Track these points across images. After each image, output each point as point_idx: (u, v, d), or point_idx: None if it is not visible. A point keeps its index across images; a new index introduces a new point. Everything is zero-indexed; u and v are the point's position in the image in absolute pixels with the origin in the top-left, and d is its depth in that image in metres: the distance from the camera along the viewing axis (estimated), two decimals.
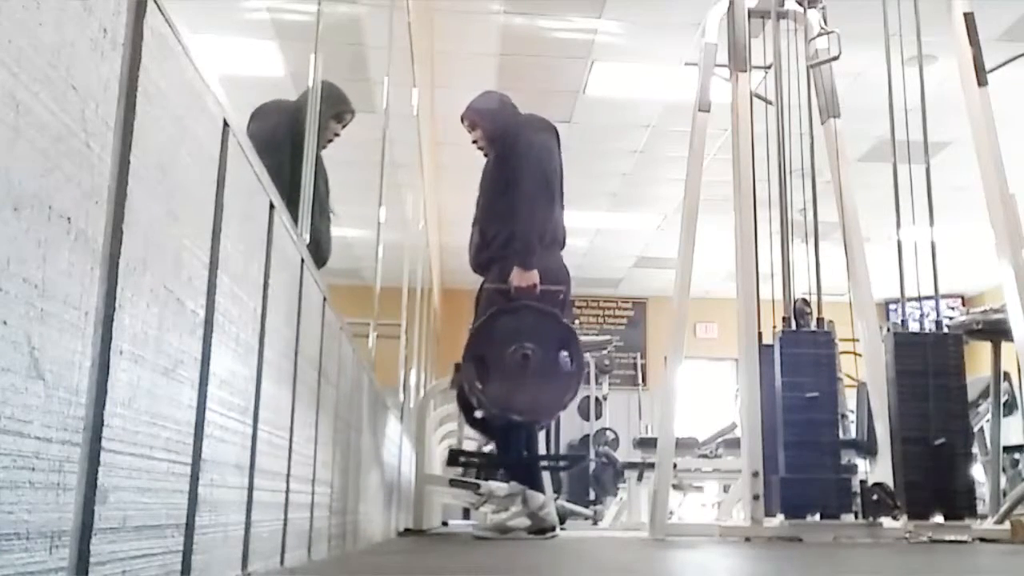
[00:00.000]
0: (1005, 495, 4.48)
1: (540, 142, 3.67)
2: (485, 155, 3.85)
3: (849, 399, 6.14)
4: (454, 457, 4.23)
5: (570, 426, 10.52)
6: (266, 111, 2.55)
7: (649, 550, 2.97)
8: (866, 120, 5.15)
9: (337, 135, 2.87)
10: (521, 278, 3.46)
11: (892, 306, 9.66)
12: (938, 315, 4.10)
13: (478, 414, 3.60)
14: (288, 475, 1.61)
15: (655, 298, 12.18)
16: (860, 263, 3.99)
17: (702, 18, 4.29)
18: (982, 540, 3.63)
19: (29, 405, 0.65)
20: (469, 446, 5.67)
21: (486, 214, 3.73)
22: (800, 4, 4.20)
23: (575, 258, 9.99)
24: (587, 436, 10.32)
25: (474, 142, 3.85)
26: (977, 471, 4.72)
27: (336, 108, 2.83)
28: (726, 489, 6.76)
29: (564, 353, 3.43)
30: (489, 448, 5.45)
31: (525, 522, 3.60)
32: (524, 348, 3.36)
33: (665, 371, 4.08)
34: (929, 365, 3.87)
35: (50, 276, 0.68)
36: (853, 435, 5.70)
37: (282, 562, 1.58)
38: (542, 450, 4.13)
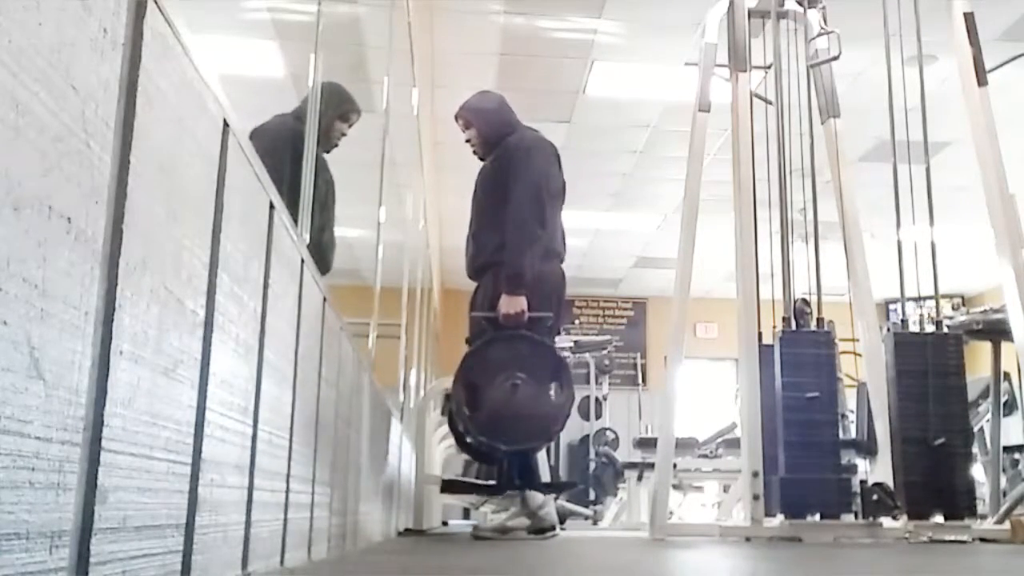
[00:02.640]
0: (1005, 495, 4.48)
1: (538, 168, 3.61)
2: (477, 155, 3.81)
3: (849, 399, 6.15)
4: (449, 487, 4.21)
5: (570, 426, 10.50)
6: (265, 132, 2.53)
7: (649, 550, 2.97)
8: (866, 120, 5.15)
9: (344, 135, 2.85)
10: (508, 304, 3.43)
11: (892, 306, 9.67)
12: (938, 315, 4.11)
13: (470, 439, 3.60)
14: (288, 475, 1.61)
15: (655, 298, 12.18)
16: (860, 263, 3.99)
17: (702, 18, 4.29)
18: (982, 540, 3.63)
19: (29, 405, 0.65)
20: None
21: (480, 222, 3.71)
22: (800, 4, 4.20)
23: (575, 258, 9.99)
24: (587, 436, 10.32)
25: (467, 141, 3.81)
26: (977, 471, 4.72)
27: (341, 108, 2.81)
28: (726, 489, 6.77)
29: (555, 384, 3.43)
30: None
31: (525, 522, 3.60)
32: (515, 378, 3.36)
33: (665, 371, 4.08)
34: (929, 365, 3.86)
35: (50, 276, 0.68)
36: (853, 435, 5.70)
37: (282, 562, 1.58)
38: (542, 454, 4.12)
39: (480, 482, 4.38)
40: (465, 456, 5.85)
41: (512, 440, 3.42)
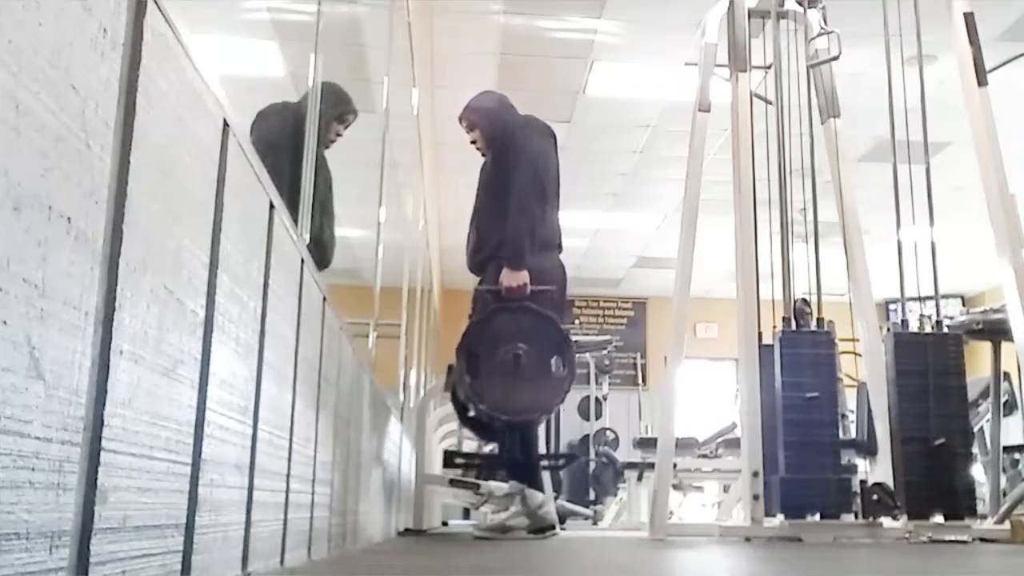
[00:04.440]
0: (1005, 495, 4.48)
1: (536, 145, 3.66)
2: (483, 155, 3.85)
3: (849, 399, 6.14)
4: (450, 459, 4.23)
5: (570, 426, 10.52)
6: (270, 113, 2.54)
7: (649, 550, 2.97)
8: (866, 120, 5.15)
9: (340, 135, 2.86)
10: (511, 278, 3.45)
11: (892, 306, 9.66)
12: (938, 315, 4.10)
13: (472, 413, 3.61)
14: (288, 475, 1.61)
15: (655, 298, 12.17)
16: (860, 263, 3.99)
17: (702, 18, 4.29)
18: (982, 540, 3.63)
19: (29, 405, 0.65)
20: (469, 446, 5.68)
21: (482, 216, 3.74)
22: (800, 4, 4.20)
23: (575, 258, 10.00)
24: (587, 436, 10.32)
25: (472, 142, 3.85)
26: (977, 471, 4.72)
27: (339, 109, 2.82)
28: (726, 489, 6.77)
29: (556, 358, 3.44)
30: (488, 448, 5.45)
31: (525, 521, 3.60)
32: (517, 348, 3.37)
33: (665, 371, 4.08)
34: (929, 365, 3.86)
35: (50, 276, 0.68)
36: (853, 435, 5.70)
37: (282, 562, 1.58)
38: (542, 449, 4.13)
39: (483, 455, 4.38)
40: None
41: (511, 410, 3.43)
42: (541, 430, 4.34)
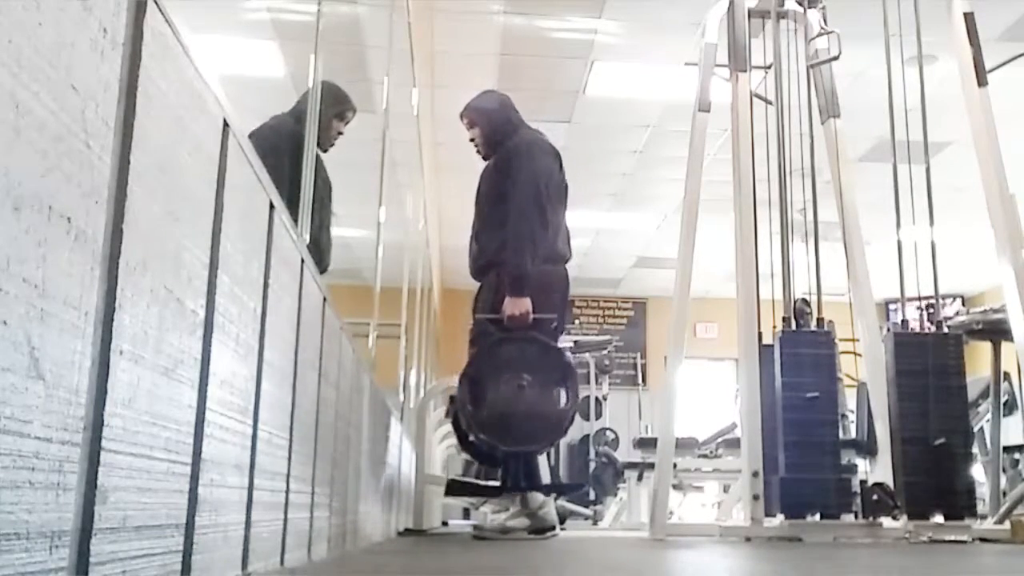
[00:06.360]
0: (1005, 495, 4.48)
1: (537, 167, 3.61)
2: (480, 154, 3.83)
3: (849, 399, 6.14)
4: (452, 488, 4.22)
5: (570, 427, 10.51)
6: (270, 123, 2.54)
7: (649, 550, 2.97)
8: (866, 120, 5.15)
9: (341, 133, 2.87)
10: (514, 306, 3.44)
11: (892, 306, 9.66)
12: (938, 315, 4.10)
13: (472, 439, 3.60)
14: (288, 475, 1.61)
15: (655, 298, 12.18)
16: (860, 263, 3.99)
17: (702, 18, 4.29)
18: (982, 540, 3.63)
19: (29, 405, 0.65)
20: None
21: (482, 222, 3.73)
22: (800, 4, 4.20)
23: (575, 258, 9.96)
24: (587, 436, 10.32)
25: (471, 140, 3.83)
26: (977, 471, 4.72)
27: (338, 107, 2.83)
28: (726, 489, 6.76)
29: (561, 389, 3.43)
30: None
31: (525, 522, 3.59)
32: (521, 379, 3.36)
33: (665, 371, 4.08)
34: (929, 365, 3.86)
35: (50, 276, 0.68)
36: (853, 435, 5.70)
37: (282, 562, 1.58)
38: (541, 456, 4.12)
39: (485, 483, 4.37)
40: (465, 456, 5.86)
41: (513, 441, 3.42)
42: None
